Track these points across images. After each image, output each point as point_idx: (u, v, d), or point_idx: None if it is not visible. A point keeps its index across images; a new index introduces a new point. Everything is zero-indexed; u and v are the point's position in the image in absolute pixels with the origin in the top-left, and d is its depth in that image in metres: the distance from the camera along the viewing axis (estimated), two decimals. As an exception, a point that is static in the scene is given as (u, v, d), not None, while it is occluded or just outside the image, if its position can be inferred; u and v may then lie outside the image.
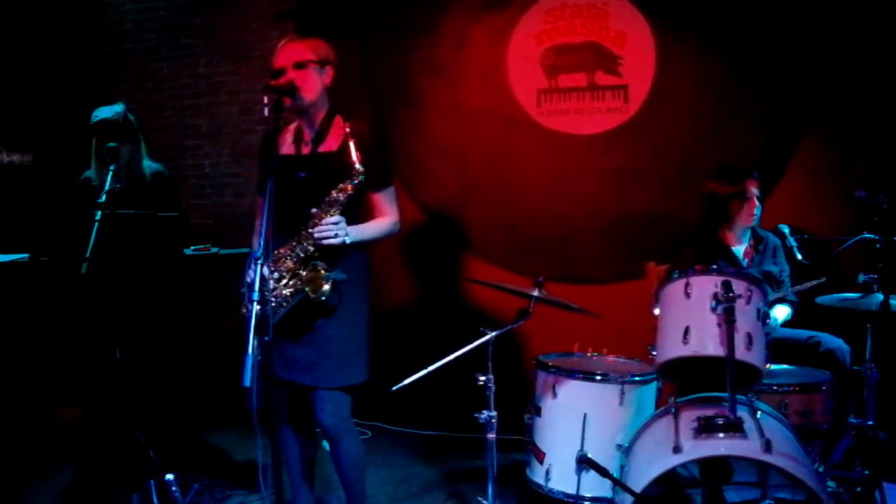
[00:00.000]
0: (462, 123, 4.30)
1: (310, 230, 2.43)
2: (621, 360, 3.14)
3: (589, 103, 4.14)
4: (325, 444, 3.61)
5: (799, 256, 3.11)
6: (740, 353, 2.36)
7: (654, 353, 2.62)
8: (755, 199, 3.30)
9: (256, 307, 2.11)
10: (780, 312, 3.30)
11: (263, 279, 2.21)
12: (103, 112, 3.26)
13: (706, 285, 2.47)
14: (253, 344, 2.11)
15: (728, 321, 2.31)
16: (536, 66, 4.20)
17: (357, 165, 2.39)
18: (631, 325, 3.44)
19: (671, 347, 2.50)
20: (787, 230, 3.18)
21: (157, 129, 4.45)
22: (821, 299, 2.99)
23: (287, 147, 2.59)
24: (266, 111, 2.39)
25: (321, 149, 2.52)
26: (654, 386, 2.93)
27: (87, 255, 2.82)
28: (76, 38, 4.78)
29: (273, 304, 2.45)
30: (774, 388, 2.78)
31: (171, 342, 3.51)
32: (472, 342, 2.70)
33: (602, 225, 4.16)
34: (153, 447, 3.15)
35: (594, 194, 4.16)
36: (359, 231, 2.52)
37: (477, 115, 4.28)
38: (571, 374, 2.86)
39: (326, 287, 2.40)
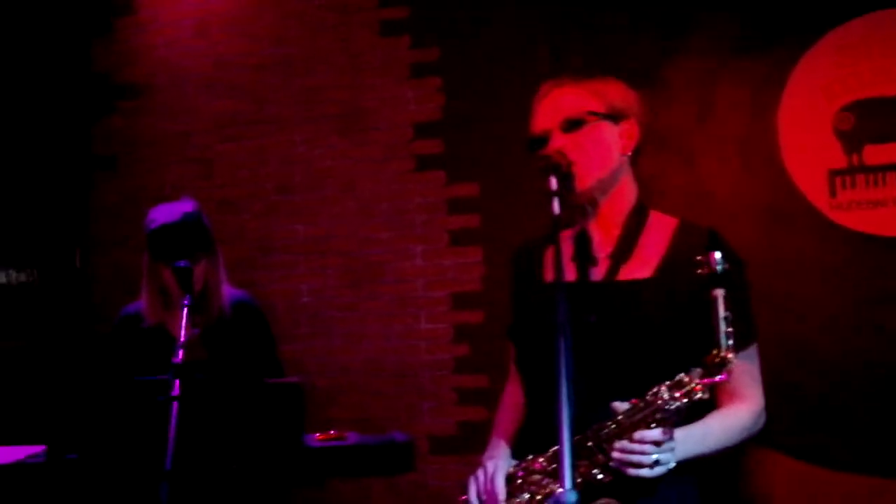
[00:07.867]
0: (707, 220, 2.83)
1: (604, 443, 1.42)
2: None
3: (917, 189, 2.71)
4: None
5: None
6: None
7: None
8: None
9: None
10: None
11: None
12: (164, 212, 2.23)
13: None
14: None
15: None
16: (827, 133, 2.79)
17: (724, 340, 1.32)
18: None
19: None
20: None
21: (225, 238, 2.96)
22: None
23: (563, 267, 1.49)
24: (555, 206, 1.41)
25: (626, 271, 1.58)
26: None
27: (169, 457, 1.67)
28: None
29: None
30: None
31: None
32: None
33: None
34: None
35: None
36: (691, 440, 1.45)
37: (731, 208, 2.85)
38: None
39: None
